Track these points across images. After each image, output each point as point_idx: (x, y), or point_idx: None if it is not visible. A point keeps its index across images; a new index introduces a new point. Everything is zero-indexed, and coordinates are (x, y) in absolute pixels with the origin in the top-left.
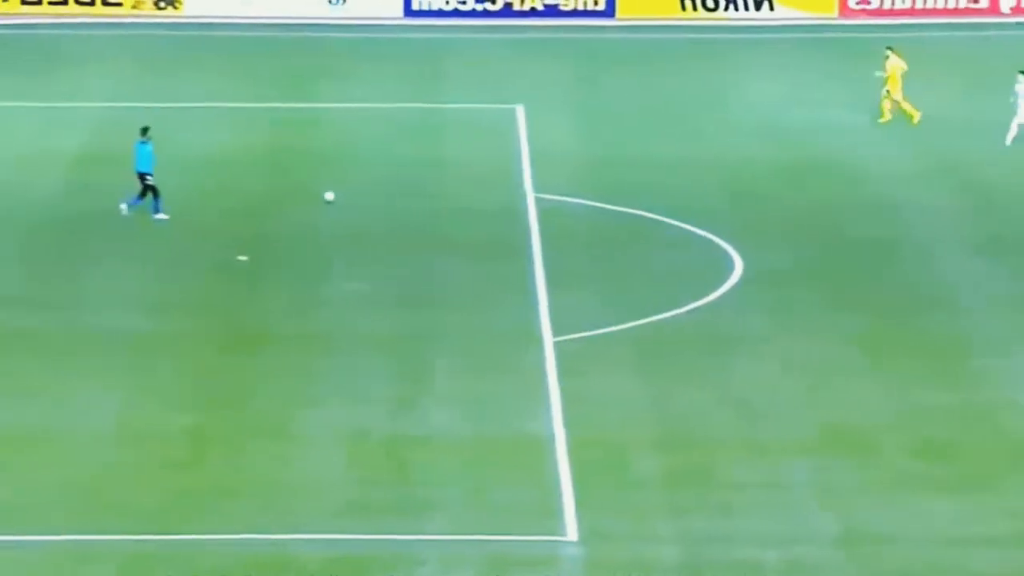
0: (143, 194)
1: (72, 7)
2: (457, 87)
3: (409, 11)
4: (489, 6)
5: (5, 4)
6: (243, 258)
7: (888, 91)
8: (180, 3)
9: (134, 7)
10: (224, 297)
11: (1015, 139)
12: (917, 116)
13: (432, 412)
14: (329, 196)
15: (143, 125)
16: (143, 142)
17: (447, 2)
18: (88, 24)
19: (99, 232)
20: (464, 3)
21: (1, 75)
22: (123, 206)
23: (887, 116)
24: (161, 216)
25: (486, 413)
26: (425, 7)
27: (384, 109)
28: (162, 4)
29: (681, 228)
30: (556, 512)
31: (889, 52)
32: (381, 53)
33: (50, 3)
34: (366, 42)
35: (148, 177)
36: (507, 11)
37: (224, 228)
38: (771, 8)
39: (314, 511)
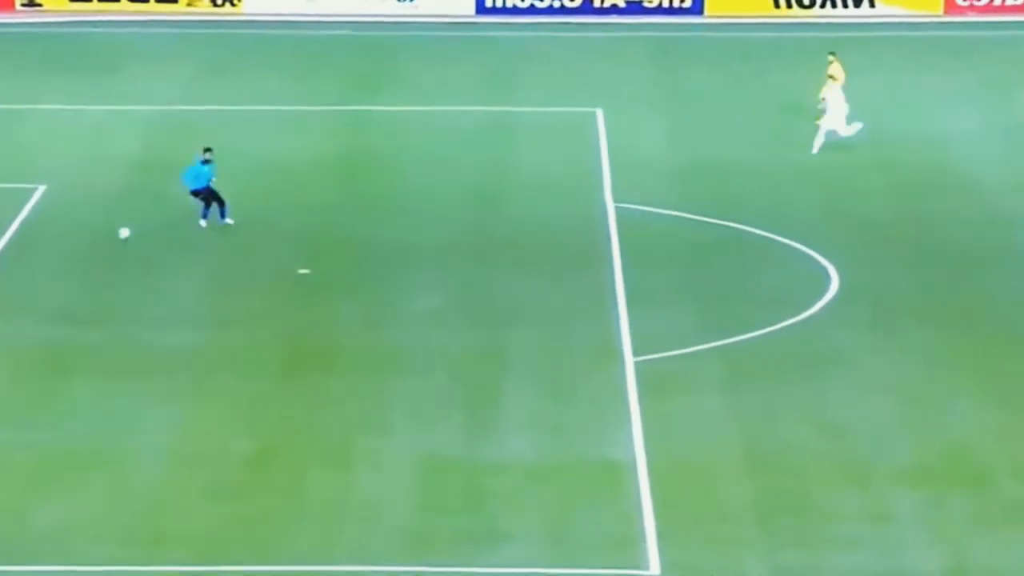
0: (208, 204)
1: (124, 4)
2: (532, 89)
3: (482, 8)
4: (567, 2)
5: (55, 1)
6: (305, 271)
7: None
8: (240, 0)
9: (189, 4)
10: (286, 313)
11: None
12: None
13: (506, 436)
14: (124, 233)
15: (206, 146)
16: (206, 161)
17: None
18: (142, 22)
19: (157, 243)
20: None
21: (53, 75)
22: (202, 222)
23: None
24: (229, 221)
25: (563, 437)
26: (499, 4)
27: (455, 112)
28: (220, 1)
29: (773, 240)
30: (637, 543)
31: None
32: (452, 53)
33: (101, 0)
34: (436, 41)
35: (201, 192)
36: (587, 8)
37: (286, 239)
38: (871, 5)
39: (381, 541)
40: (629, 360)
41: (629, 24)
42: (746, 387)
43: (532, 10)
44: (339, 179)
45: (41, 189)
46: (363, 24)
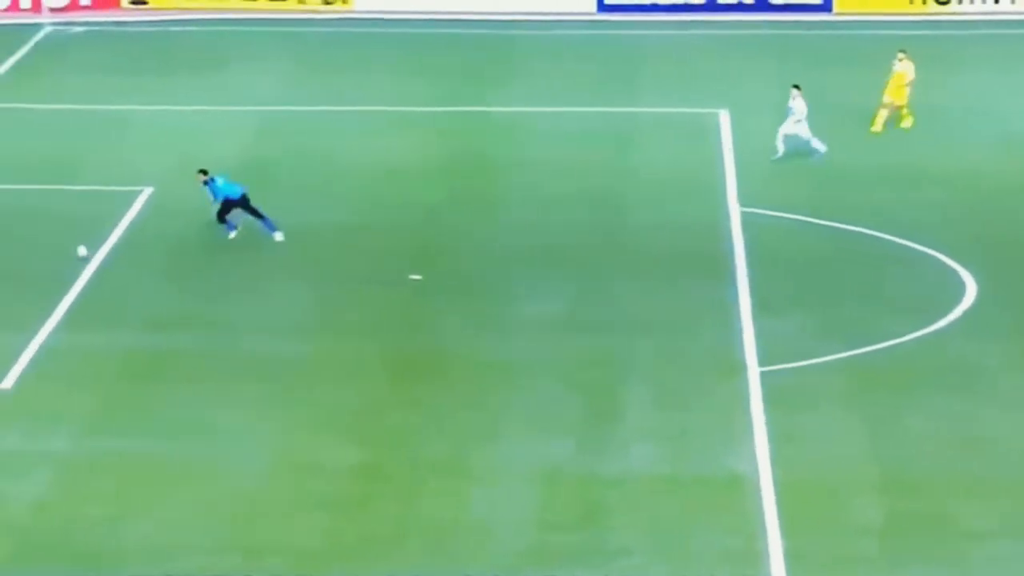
0: (259, 214)
1: (232, 1)
2: (654, 89)
3: (602, 6)
4: (691, 0)
5: (161, 0)
6: (416, 277)
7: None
8: None
9: (300, 1)
10: (394, 319)
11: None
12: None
13: (624, 448)
14: (82, 251)
15: (201, 167)
16: (206, 183)
17: None
18: (249, 20)
19: (258, 247)
20: None
21: (158, 74)
22: (277, 235)
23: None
24: (234, 234)
25: (684, 450)
26: (620, 1)
27: (573, 113)
28: None
29: (905, 246)
30: (762, 561)
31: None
32: (571, 52)
33: None
34: (554, 39)
35: (234, 203)
36: (711, 5)
37: (395, 243)
38: (1012, 0)
39: (493, 556)
40: (753, 370)
41: (755, 22)
42: (875, 400)
43: (655, 7)
44: (452, 182)
45: (147, 192)
46: (477, 22)
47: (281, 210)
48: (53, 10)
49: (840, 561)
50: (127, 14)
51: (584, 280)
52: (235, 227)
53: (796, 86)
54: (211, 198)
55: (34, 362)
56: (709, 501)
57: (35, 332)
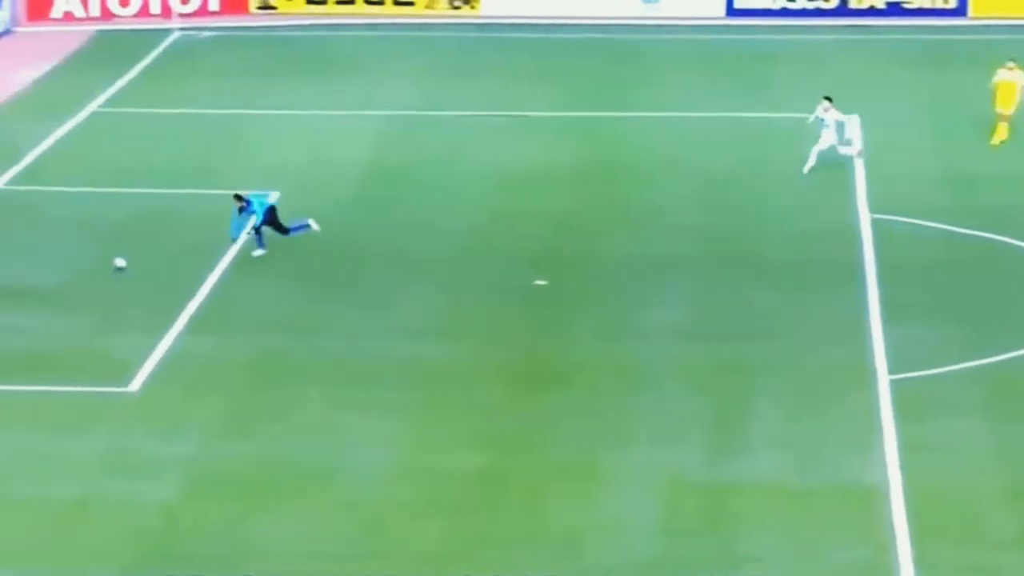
0: (283, 229)
1: (360, 7)
2: (784, 94)
3: (731, 10)
4: (822, 4)
5: (290, 3)
6: (542, 282)
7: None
8: (477, 2)
9: (428, 7)
10: (521, 325)
11: (812, 168)
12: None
13: (752, 456)
14: (120, 263)
15: (237, 193)
16: (241, 209)
17: (774, 0)
18: (378, 25)
19: (386, 252)
20: (793, 1)
21: (287, 79)
22: (311, 222)
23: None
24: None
25: (812, 458)
26: (749, 6)
27: (702, 118)
28: (457, 3)
29: None
30: (892, 571)
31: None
32: (700, 56)
33: (337, 2)
34: (683, 44)
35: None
36: (842, 9)
37: (522, 249)
38: None
39: (619, 562)
40: (883, 379)
41: (888, 26)
42: (1009, 410)
43: (785, 12)
44: (578, 187)
45: (274, 196)
46: (606, 26)
47: (409, 214)
48: (182, 15)
49: (971, 572)
50: (255, 19)
51: (712, 286)
52: (265, 247)
53: (828, 98)
54: (256, 222)
55: (161, 365)
56: (838, 510)
57: (162, 335)
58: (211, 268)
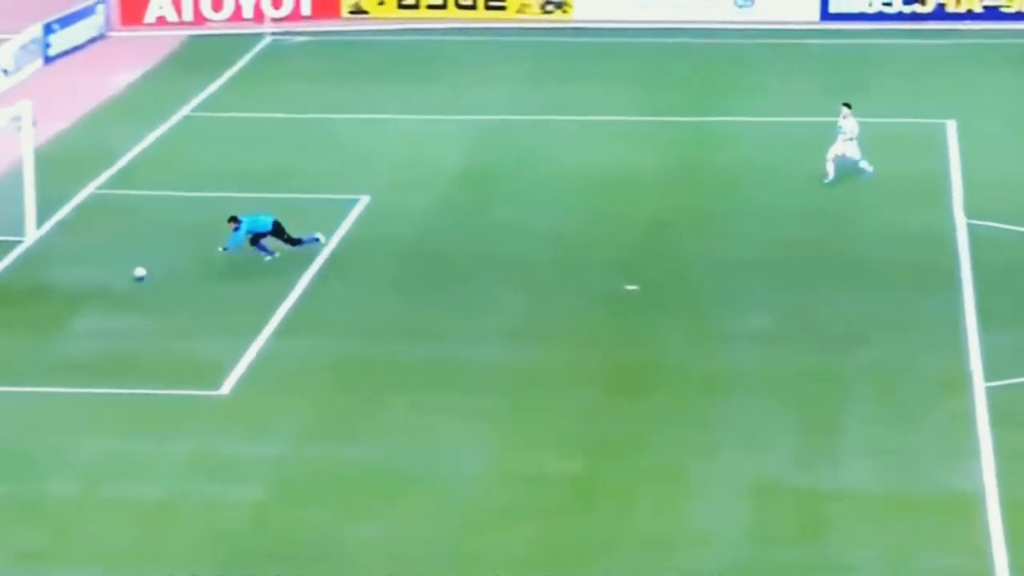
0: (294, 241)
1: (452, 11)
2: (879, 99)
3: (826, 14)
4: (918, 8)
5: (381, 8)
6: (632, 287)
7: None
8: (569, 7)
9: (519, 11)
10: (611, 330)
11: (836, 172)
12: None
13: (844, 462)
14: (140, 272)
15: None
16: (236, 228)
17: (869, 4)
18: (469, 29)
19: (474, 255)
20: (889, 4)
21: (378, 84)
22: (320, 236)
23: None
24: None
25: (906, 465)
26: (844, 9)
27: (796, 123)
28: (549, 8)
29: None
30: None
31: None
32: (794, 60)
33: (428, 7)
34: (777, 48)
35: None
36: (939, 13)
37: (613, 253)
38: None
39: (709, 568)
40: (979, 386)
41: (986, 31)
42: None
43: (880, 16)
44: (669, 191)
45: (364, 200)
46: (699, 30)
47: (498, 219)
48: (275, 20)
49: None
50: (347, 24)
51: (804, 292)
52: (272, 252)
53: (847, 104)
54: (235, 242)
55: (251, 368)
56: (932, 518)
57: (253, 338)
58: (302, 271)
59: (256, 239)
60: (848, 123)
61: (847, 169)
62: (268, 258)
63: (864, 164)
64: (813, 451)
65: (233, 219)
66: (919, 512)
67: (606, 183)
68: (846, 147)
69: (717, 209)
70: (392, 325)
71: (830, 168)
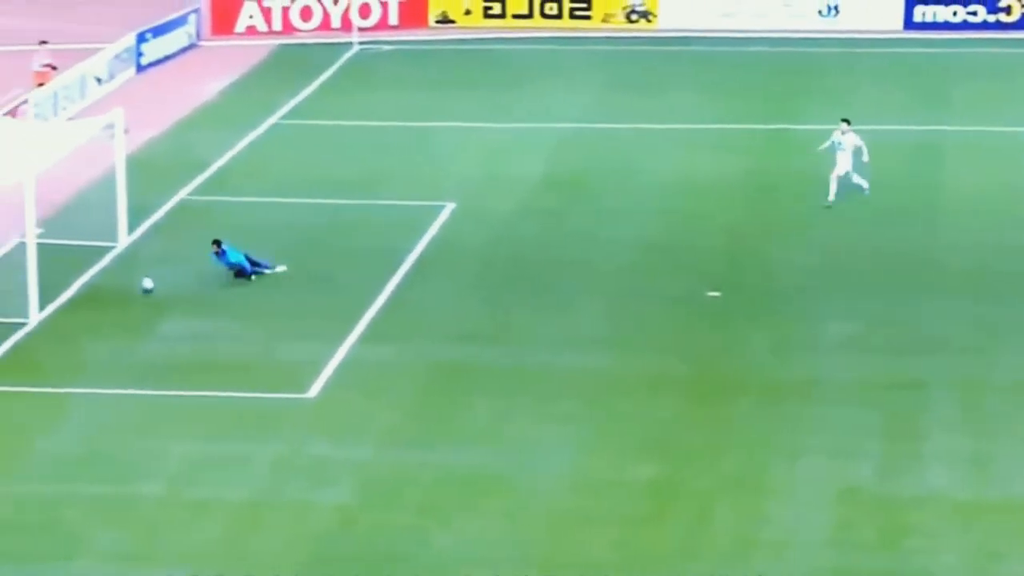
0: (253, 262)
1: (537, 20)
2: (962, 107)
3: (910, 23)
4: (1003, 17)
5: (468, 17)
6: (714, 294)
7: None
8: (654, 16)
9: (604, 20)
10: (693, 337)
11: (837, 193)
12: None
13: (927, 470)
14: (148, 283)
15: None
16: (217, 253)
17: (954, 13)
18: (554, 39)
19: (555, 262)
20: (974, 14)
21: (463, 92)
22: (279, 267)
23: None
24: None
25: (990, 474)
26: (928, 19)
27: (880, 131)
28: (634, 17)
29: None
30: None
31: None
32: (877, 69)
33: (514, 16)
34: (860, 57)
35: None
36: None
37: (695, 260)
38: None
39: (790, 575)
40: None
41: None
42: None
43: (965, 25)
44: (752, 199)
45: (450, 207)
46: (782, 40)
47: (582, 226)
48: (362, 29)
49: None
50: (434, 33)
51: (889, 299)
52: (269, 265)
53: (846, 120)
54: (225, 264)
55: (339, 372)
56: (1016, 525)
57: (339, 342)
58: (389, 276)
59: (239, 272)
60: (848, 139)
61: (929, 179)
62: (281, 268)
63: (857, 179)
64: (896, 458)
65: (217, 243)
66: (1002, 519)
67: (688, 190)
68: (842, 160)
69: (799, 216)
70: (476, 330)
71: (858, 179)
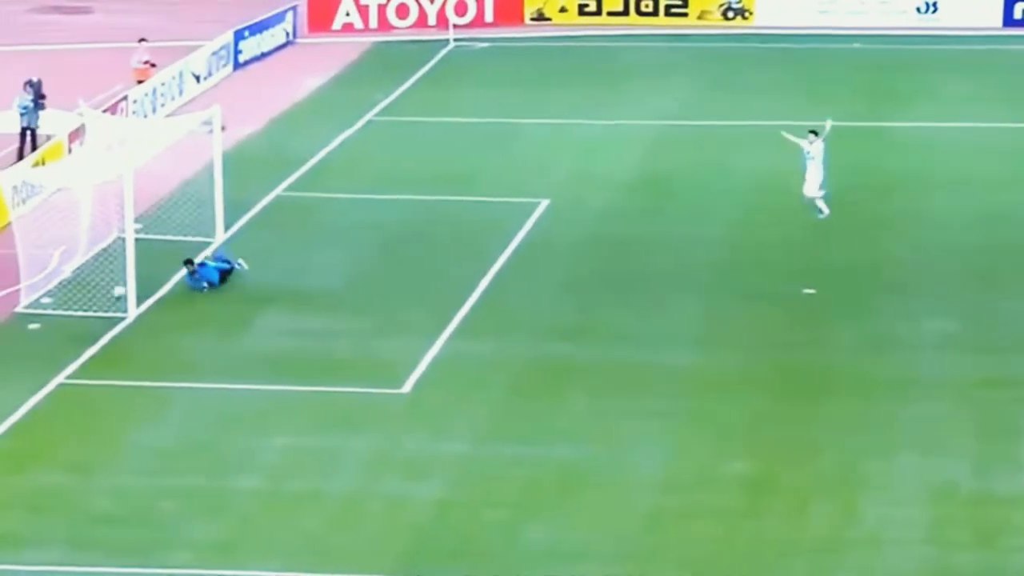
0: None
1: (633, 18)
2: None
3: (1009, 20)
4: None
5: (563, 15)
6: (810, 291)
7: None
8: (751, 13)
9: (700, 18)
10: (786, 334)
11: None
12: None
13: (1022, 469)
14: (119, 291)
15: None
16: (191, 273)
17: None
18: (649, 36)
19: (649, 259)
20: None
21: (558, 89)
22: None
23: None
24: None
25: None
26: None
27: (976, 129)
28: (731, 14)
29: None
30: None
31: None
32: (975, 66)
33: (609, 13)
34: (958, 54)
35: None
36: None
37: (788, 257)
38: None
39: (884, 573)
40: None
41: None
42: None
43: None
44: (847, 198)
45: (544, 204)
46: (880, 36)
47: (674, 224)
48: (458, 26)
49: None
50: (529, 30)
51: (984, 296)
52: (238, 263)
53: (814, 131)
54: (204, 285)
55: (433, 367)
56: None
57: (435, 338)
58: (483, 273)
59: (224, 276)
60: (816, 148)
61: (1013, 177)
62: (238, 267)
63: (819, 193)
64: (992, 456)
65: (189, 262)
66: None
67: (782, 187)
68: (813, 168)
69: (895, 213)
70: (570, 327)
71: (819, 203)
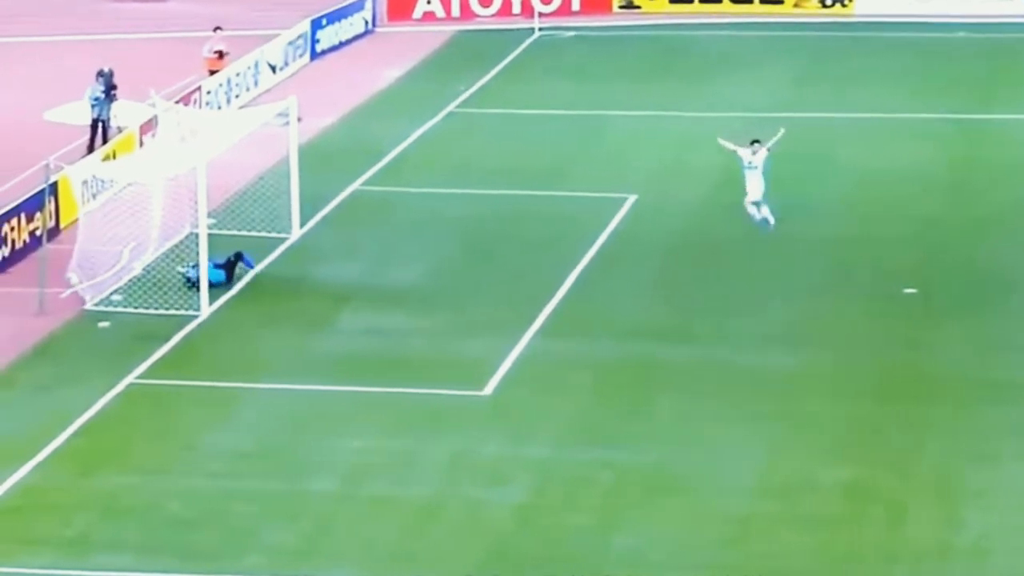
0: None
1: (726, 6)
2: None
3: None
4: None
5: (653, 3)
6: (911, 291)
7: None
8: (850, 1)
9: (796, 5)
10: (887, 335)
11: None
12: None
13: None
14: (74, 279)
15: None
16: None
17: None
18: (744, 24)
19: (741, 257)
20: None
21: (647, 80)
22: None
23: None
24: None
25: None
26: None
27: None
28: (829, 2)
29: None
30: None
31: None
32: None
33: (701, 1)
34: None
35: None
36: None
37: (889, 255)
38: None
39: None
40: None
41: None
42: None
43: None
44: (950, 193)
45: (631, 199)
46: (984, 25)
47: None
48: (544, 15)
49: None
50: (617, 18)
51: None
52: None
53: (756, 140)
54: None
55: (516, 367)
56: None
57: (517, 338)
58: (569, 270)
59: (231, 269)
60: (759, 158)
61: None
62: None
63: (760, 212)
64: None
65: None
66: None
67: (883, 182)
68: (758, 185)
69: (1000, 210)
70: (658, 326)
71: (765, 211)
